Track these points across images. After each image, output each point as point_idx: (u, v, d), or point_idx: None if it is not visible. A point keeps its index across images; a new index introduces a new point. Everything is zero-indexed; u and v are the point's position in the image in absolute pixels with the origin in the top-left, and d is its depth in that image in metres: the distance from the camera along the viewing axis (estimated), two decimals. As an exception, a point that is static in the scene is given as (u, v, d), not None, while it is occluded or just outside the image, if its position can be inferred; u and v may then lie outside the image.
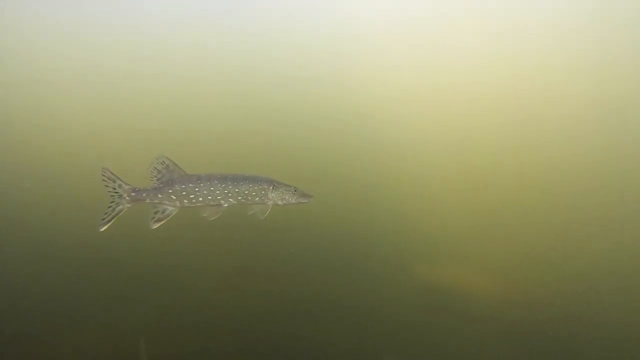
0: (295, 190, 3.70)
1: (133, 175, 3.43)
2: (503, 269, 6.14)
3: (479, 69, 8.57)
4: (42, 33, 8.65)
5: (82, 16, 8.79)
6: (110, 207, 3.26)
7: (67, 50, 8.62)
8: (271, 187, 3.62)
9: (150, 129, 8.05)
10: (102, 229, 3.23)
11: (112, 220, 3.25)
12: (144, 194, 3.32)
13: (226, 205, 3.49)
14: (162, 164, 3.35)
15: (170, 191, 3.34)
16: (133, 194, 3.30)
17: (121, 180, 3.29)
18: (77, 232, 5.63)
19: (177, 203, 3.37)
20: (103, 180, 3.26)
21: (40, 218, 6.41)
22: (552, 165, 7.56)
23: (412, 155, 8.05)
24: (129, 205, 3.29)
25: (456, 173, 7.70)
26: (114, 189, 3.27)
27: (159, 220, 3.32)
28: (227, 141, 8.01)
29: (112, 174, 3.27)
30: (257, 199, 3.57)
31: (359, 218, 6.94)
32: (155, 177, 3.35)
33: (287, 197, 3.66)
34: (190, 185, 3.38)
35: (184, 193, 3.36)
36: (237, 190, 3.49)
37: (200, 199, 3.40)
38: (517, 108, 8.20)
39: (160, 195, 3.33)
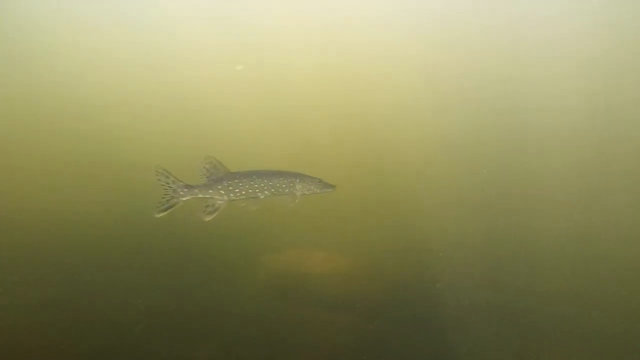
0: (319, 181, 4.26)
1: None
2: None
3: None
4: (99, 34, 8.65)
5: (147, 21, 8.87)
6: (165, 197, 3.73)
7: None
8: (298, 180, 4.16)
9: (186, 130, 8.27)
10: (159, 215, 3.72)
11: (168, 210, 3.74)
12: (196, 190, 3.81)
13: (262, 197, 4.01)
14: (209, 163, 3.84)
15: (219, 187, 3.84)
16: (186, 189, 3.78)
17: (174, 177, 3.76)
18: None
19: (225, 197, 3.87)
20: (157, 176, 3.71)
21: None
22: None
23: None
24: (183, 199, 3.77)
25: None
26: (168, 185, 3.73)
27: (210, 212, 3.82)
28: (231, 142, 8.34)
29: (166, 171, 3.73)
30: (287, 190, 4.10)
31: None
32: (205, 175, 3.84)
33: (312, 188, 4.20)
34: (235, 181, 3.88)
35: (230, 188, 3.87)
36: (270, 183, 4.02)
37: (243, 192, 3.91)
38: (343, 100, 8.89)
39: (210, 191, 3.83)
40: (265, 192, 4.02)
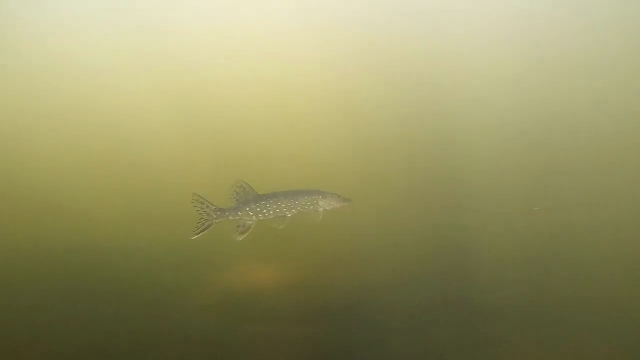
0: (338, 197, 4.51)
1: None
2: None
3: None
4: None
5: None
6: (200, 222, 4.02)
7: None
8: (320, 197, 4.41)
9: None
10: (194, 238, 4.02)
11: (203, 232, 4.02)
12: (227, 213, 4.08)
13: (290, 215, 4.27)
14: (240, 187, 4.11)
15: (248, 209, 4.11)
16: (219, 212, 4.05)
17: (209, 202, 4.03)
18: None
19: (254, 218, 4.13)
20: (193, 203, 4.00)
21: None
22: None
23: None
24: (216, 222, 4.04)
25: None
26: (203, 209, 4.01)
27: (242, 233, 4.09)
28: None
29: (201, 197, 4.01)
30: (311, 207, 4.35)
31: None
32: (235, 198, 4.11)
33: (333, 203, 4.45)
34: (263, 202, 4.15)
35: (258, 209, 4.13)
36: (296, 202, 4.28)
37: (271, 212, 4.18)
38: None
39: (240, 213, 4.09)
40: (293, 210, 4.28)
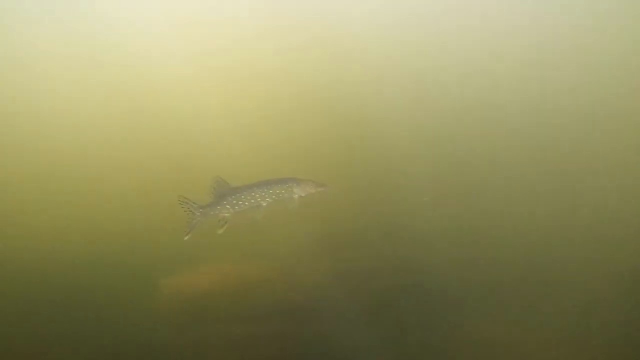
0: (313, 182, 4.86)
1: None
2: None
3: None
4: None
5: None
6: (188, 221, 4.42)
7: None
8: (295, 184, 4.78)
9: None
10: (187, 238, 4.42)
11: (192, 230, 4.41)
12: (208, 208, 4.48)
13: (264, 204, 4.67)
14: (216, 182, 4.50)
15: (225, 202, 4.51)
16: (202, 210, 4.45)
17: (192, 202, 4.42)
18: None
19: (231, 210, 4.54)
20: (180, 205, 4.39)
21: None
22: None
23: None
24: (201, 219, 4.45)
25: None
26: (188, 209, 4.41)
27: (222, 226, 4.49)
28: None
29: (185, 198, 4.40)
30: (286, 195, 4.75)
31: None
32: (213, 193, 4.51)
33: (308, 189, 4.82)
34: (237, 194, 4.54)
35: (234, 202, 4.52)
36: (270, 191, 4.66)
37: (246, 203, 4.57)
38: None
39: (219, 207, 4.50)
40: (267, 199, 4.65)
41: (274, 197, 4.67)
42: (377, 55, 11.32)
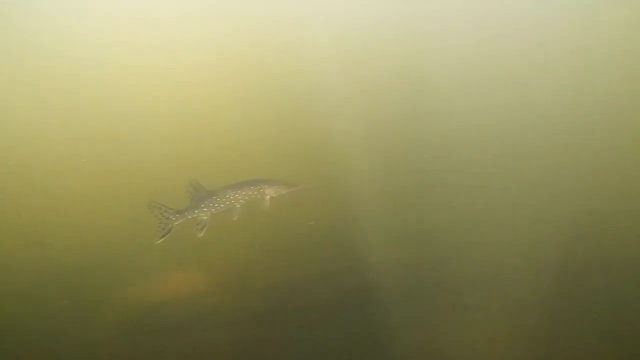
0: (284, 183, 4.97)
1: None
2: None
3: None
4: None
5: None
6: (160, 226, 4.39)
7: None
8: (266, 185, 4.88)
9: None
10: (159, 241, 4.39)
11: (166, 236, 4.39)
12: (185, 212, 4.50)
13: (238, 205, 4.74)
14: (192, 186, 4.54)
15: (202, 205, 4.56)
16: (177, 214, 4.46)
17: (166, 207, 4.40)
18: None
19: (208, 212, 4.59)
20: (150, 210, 4.35)
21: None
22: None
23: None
24: (176, 223, 4.46)
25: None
26: (161, 213, 4.38)
27: (200, 229, 4.52)
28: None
29: (158, 203, 4.39)
30: (258, 196, 4.84)
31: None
32: (190, 197, 4.54)
33: (279, 190, 4.93)
34: (213, 197, 4.59)
35: (210, 204, 4.57)
36: (243, 193, 4.74)
37: (222, 205, 4.63)
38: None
39: (196, 211, 4.54)
40: (240, 200, 4.74)
41: (246, 198, 4.76)
42: (353, 56, 11.42)
